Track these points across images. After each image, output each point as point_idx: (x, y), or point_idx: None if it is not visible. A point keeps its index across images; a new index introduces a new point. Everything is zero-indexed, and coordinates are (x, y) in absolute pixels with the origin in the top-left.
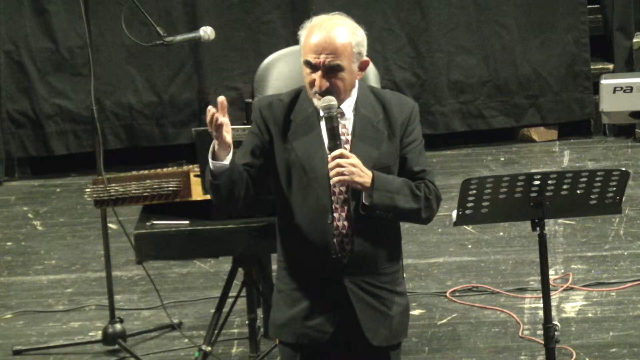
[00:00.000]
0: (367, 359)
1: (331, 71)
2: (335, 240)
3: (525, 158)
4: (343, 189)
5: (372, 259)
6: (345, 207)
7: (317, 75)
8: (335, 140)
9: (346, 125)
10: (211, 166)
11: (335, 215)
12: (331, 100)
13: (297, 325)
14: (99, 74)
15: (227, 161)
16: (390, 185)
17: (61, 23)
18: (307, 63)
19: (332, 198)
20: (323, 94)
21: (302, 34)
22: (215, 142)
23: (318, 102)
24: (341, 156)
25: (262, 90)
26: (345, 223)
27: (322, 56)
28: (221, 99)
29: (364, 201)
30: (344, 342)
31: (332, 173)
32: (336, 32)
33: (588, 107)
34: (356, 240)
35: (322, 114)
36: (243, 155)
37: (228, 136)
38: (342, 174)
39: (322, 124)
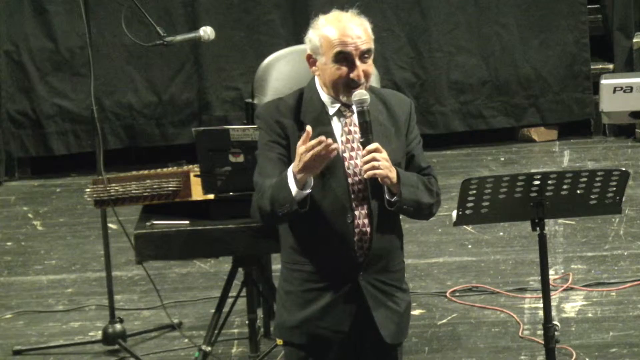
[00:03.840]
0: (377, 356)
1: (363, 57)
2: (355, 238)
3: (525, 158)
4: (361, 186)
5: (386, 257)
6: (365, 205)
7: (356, 65)
8: (367, 134)
9: (354, 122)
10: (297, 196)
11: (356, 213)
12: (364, 94)
13: (311, 326)
14: (99, 74)
15: (309, 188)
16: (412, 180)
17: (61, 23)
18: (340, 54)
19: (352, 196)
20: (355, 86)
21: (319, 34)
22: (307, 172)
23: (348, 98)
24: (376, 150)
25: (262, 90)
26: (366, 221)
27: (358, 41)
28: (335, 146)
29: (388, 197)
30: (355, 341)
31: (367, 167)
32: (357, 19)
33: (588, 107)
34: (375, 238)
35: (342, 109)
36: (276, 167)
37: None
38: (377, 168)
39: (334, 122)
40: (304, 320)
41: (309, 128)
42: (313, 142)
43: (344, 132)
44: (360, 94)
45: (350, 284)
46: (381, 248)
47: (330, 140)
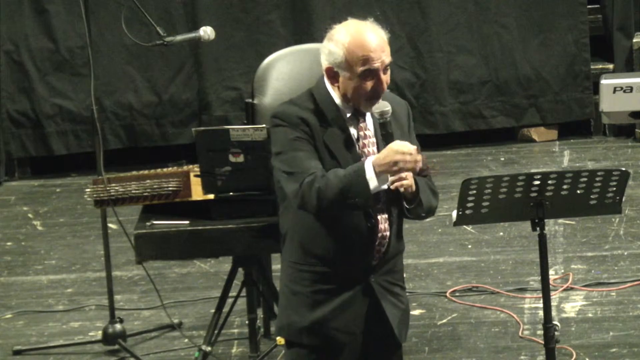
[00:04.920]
0: (385, 356)
1: (385, 69)
2: (375, 242)
3: (525, 158)
4: (380, 191)
5: (394, 258)
6: (385, 209)
7: (382, 79)
8: None
9: (368, 127)
10: (374, 190)
11: (379, 217)
12: (386, 105)
13: (322, 327)
14: (99, 74)
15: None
16: (422, 185)
17: (61, 23)
18: (368, 71)
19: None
20: (378, 97)
21: (343, 48)
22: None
23: (368, 109)
24: None
25: (262, 90)
26: (386, 225)
27: (383, 56)
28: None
29: (406, 204)
30: (364, 341)
31: (394, 178)
32: (378, 31)
33: (588, 107)
34: (392, 241)
35: (356, 113)
36: (317, 159)
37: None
38: (404, 178)
39: (351, 128)
40: (315, 321)
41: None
42: (411, 149)
43: (360, 137)
44: (382, 105)
45: (362, 285)
46: (393, 251)
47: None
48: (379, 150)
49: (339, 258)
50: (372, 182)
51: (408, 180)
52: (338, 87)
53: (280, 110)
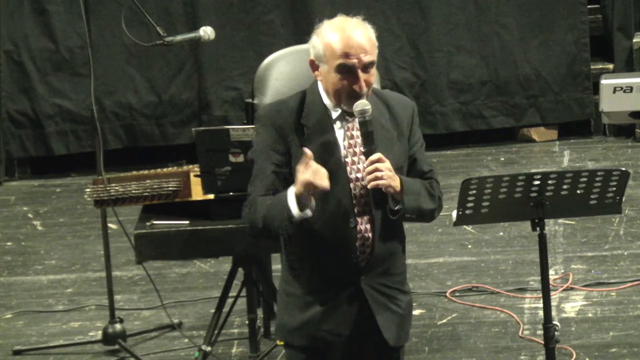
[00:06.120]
0: (378, 358)
1: (366, 69)
2: (357, 243)
3: (525, 158)
4: (364, 192)
5: (387, 261)
6: (367, 211)
7: (359, 77)
8: (371, 144)
9: (357, 127)
10: (297, 218)
11: (359, 219)
12: (365, 104)
13: (311, 328)
14: (99, 74)
15: (311, 211)
16: (414, 187)
17: (61, 23)
18: (343, 66)
19: (354, 202)
20: (357, 96)
21: (323, 42)
22: (309, 194)
23: (349, 107)
24: (379, 160)
25: (262, 90)
26: (368, 226)
27: (361, 54)
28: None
29: (390, 206)
30: (356, 344)
31: (370, 177)
32: (363, 29)
33: (588, 107)
34: (377, 243)
35: (344, 113)
36: (267, 181)
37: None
38: (381, 178)
39: (336, 126)
40: (304, 322)
41: (308, 151)
42: (307, 179)
43: (347, 136)
44: (362, 104)
45: (352, 287)
46: (383, 252)
47: (320, 176)
48: (365, 149)
49: (324, 259)
50: (294, 209)
51: (384, 180)
52: (322, 82)
53: (260, 114)
